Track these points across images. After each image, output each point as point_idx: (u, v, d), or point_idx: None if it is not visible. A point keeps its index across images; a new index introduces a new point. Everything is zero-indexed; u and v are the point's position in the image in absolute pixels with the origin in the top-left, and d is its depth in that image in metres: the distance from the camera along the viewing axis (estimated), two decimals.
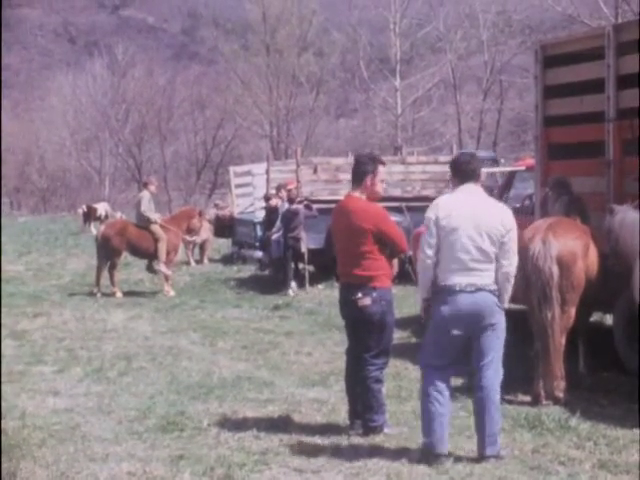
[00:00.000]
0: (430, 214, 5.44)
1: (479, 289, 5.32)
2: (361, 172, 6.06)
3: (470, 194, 5.48)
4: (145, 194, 14.43)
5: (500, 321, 5.43)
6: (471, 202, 5.43)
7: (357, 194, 6.08)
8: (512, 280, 5.45)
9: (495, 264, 5.37)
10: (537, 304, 6.79)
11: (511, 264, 5.41)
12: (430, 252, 5.39)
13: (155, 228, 14.22)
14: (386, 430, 6.03)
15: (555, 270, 6.74)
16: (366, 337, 5.97)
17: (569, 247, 6.86)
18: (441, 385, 5.46)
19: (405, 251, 6.47)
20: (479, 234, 5.32)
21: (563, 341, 6.82)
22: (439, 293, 5.42)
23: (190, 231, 15.36)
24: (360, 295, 5.88)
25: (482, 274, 5.34)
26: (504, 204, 6.23)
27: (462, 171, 5.54)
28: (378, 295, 5.91)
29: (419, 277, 5.67)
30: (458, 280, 5.33)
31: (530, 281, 6.83)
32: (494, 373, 5.45)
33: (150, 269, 14.58)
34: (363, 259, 5.91)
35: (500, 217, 5.41)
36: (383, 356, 6.08)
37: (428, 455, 5.38)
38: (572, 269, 6.83)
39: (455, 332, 5.36)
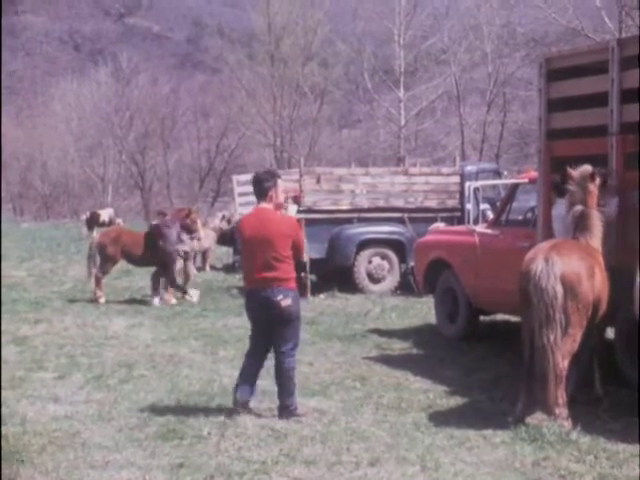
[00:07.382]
0: None
1: None
2: (265, 187, 6.74)
3: None
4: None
5: None
6: None
7: (267, 206, 6.75)
8: None
9: None
10: (538, 326, 6.37)
11: None
12: None
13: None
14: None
15: (559, 290, 6.36)
16: (286, 333, 6.71)
17: (573, 267, 6.49)
18: None
19: (302, 258, 7.16)
20: None
21: (566, 365, 6.40)
22: None
23: (186, 230, 14.38)
24: (282, 297, 6.60)
25: None
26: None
27: None
28: (295, 295, 6.72)
29: None
30: None
31: (531, 302, 6.43)
32: None
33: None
34: (282, 263, 6.62)
35: None
36: (297, 347, 6.85)
37: None
38: (577, 289, 6.43)
39: None
